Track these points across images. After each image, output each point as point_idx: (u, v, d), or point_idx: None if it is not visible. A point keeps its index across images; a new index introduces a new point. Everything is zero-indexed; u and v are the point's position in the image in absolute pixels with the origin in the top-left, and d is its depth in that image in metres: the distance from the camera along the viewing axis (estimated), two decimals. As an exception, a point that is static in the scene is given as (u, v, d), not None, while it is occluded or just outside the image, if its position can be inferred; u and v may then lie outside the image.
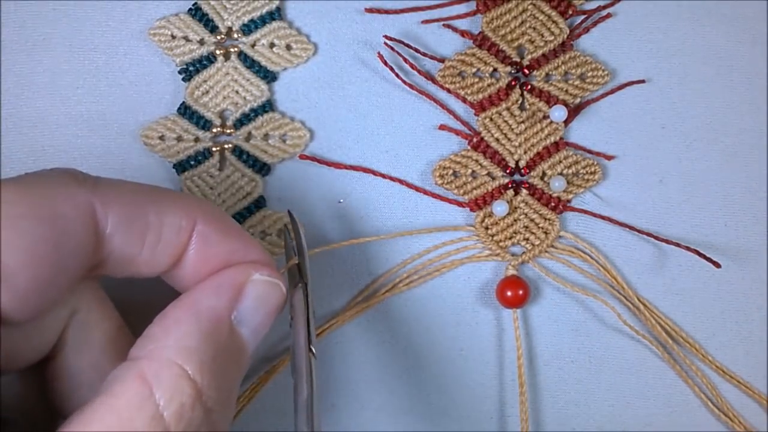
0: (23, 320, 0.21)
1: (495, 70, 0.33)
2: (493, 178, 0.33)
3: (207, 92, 0.33)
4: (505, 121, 0.33)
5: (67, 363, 0.24)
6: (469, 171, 0.33)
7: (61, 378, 0.24)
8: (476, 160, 0.33)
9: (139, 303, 0.30)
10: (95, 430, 0.20)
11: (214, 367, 0.22)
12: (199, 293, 0.24)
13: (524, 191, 0.33)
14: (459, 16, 0.33)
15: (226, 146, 0.33)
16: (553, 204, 0.32)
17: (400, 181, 0.33)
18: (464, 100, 0.33)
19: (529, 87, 0.33)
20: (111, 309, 0.25)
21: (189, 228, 0.24)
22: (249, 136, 0.33)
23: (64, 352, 0.24)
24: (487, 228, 0.32)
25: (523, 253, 0.32)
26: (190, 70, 0.33)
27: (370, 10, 0.33)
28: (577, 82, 0.33)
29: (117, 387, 0.21)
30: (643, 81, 0.33)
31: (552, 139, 0.33)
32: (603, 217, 0.33)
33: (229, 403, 0.23)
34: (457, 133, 0.33)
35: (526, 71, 0.33)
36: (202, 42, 0.33)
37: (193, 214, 0.25)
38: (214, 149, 0.32)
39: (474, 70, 0.33)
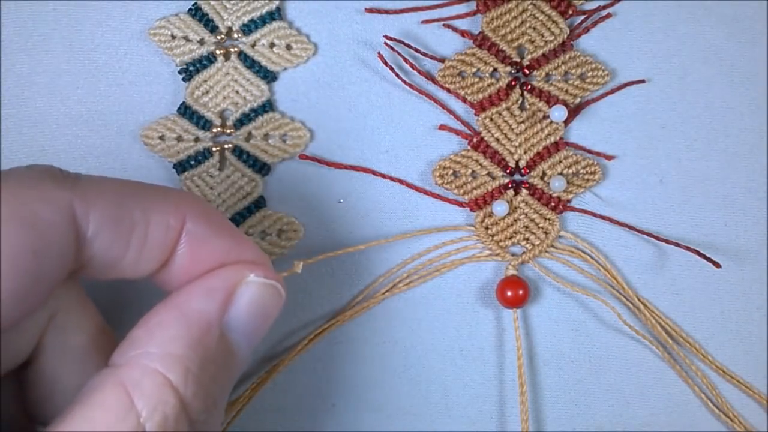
0: None
1: (495, 70, 0.33)
2: (493, 178, 0.33)
3: (207, 92, 0.33)
4: (505, 121, 0.33)
5: (45, 369, 0.23)
6: (469, 171, 0.33)
7: (39, 385, 0.23)
8: (476, 160, 0.33)
9: (124, 301, 0.29)
10: None
11: (201, 376, 0.21)
12: (188, 295, 0.22)
13: (524, 191, 0.33)
14: (459, 16, 0.33)
15: (226, 146, 0.33)
16: (553, 204, 0.32)
17: (400, 181, 0.33)
18: (464, 100, 0.33)
19: (529, 87, 0.33)
20: (92, 310, 0.24)
21: (178, 226, 0.23)
22: (249, 136, 0.33)
23: (43, 357, 0.22)
24: (487, 228, 0.32)
25: (523, 253, 0.32)
26: (190, 70, 0.33)
27: (370, 10, 0.33)
28: (577, 82, 0.33)
29: (95, 396, 0.19)
30: (643, 81, 0.33)
31: (552, 139, 0.33)
32: (603, 217, 0.33)
33: (216, 415, 0.22)
34: (457, 133, 0.33)
35: (526, 71, 0.33)
36: (202, 42, 0.33)
37: (182, 211, 0.23)
38: (214, 149, 0.32)
39: (474, 70, 0.33)
